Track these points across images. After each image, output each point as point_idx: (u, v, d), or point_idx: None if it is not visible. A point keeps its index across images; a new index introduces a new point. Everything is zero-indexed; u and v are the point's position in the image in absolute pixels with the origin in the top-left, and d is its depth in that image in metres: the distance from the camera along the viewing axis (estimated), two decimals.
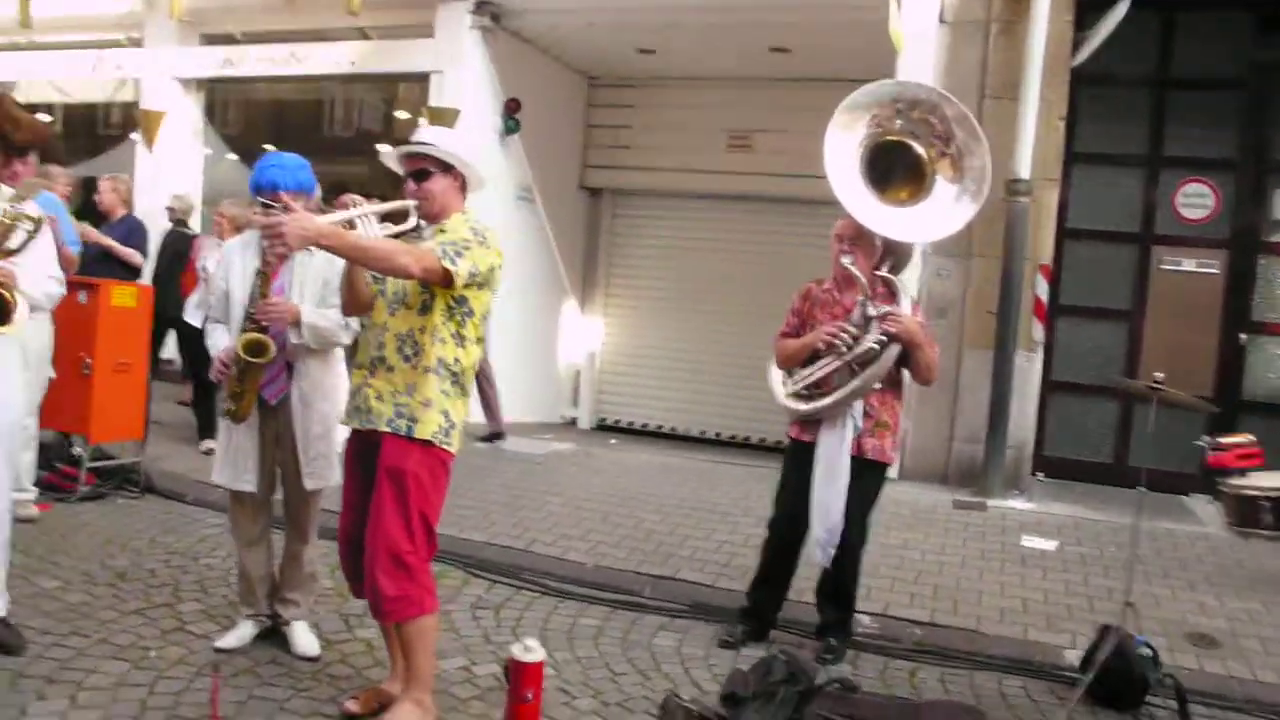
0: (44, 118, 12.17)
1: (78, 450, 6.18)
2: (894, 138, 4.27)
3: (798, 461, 4.27)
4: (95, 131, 11.79)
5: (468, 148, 3.47)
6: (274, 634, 4.03)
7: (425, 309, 3.23)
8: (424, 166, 3.32)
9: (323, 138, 11.00)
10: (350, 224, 3.15)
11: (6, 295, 3.41)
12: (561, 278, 10.64)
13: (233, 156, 10.81)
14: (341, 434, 3.82)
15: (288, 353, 3.80)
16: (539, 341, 10.31)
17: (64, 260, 5.76)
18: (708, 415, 10.42)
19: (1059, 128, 7.31)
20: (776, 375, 4.41)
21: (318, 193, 4.44)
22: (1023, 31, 7.13)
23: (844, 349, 4.07)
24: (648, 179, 10.47)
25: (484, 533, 5.70)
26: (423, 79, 8.92)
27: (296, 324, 3.74)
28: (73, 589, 4.43)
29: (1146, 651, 4.00)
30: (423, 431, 3.19)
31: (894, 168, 4.30)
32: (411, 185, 3.32)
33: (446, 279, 3.11)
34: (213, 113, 10.77)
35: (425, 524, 3.23)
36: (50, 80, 11.16)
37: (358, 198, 3.39)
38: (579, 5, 8.34)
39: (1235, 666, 4.43)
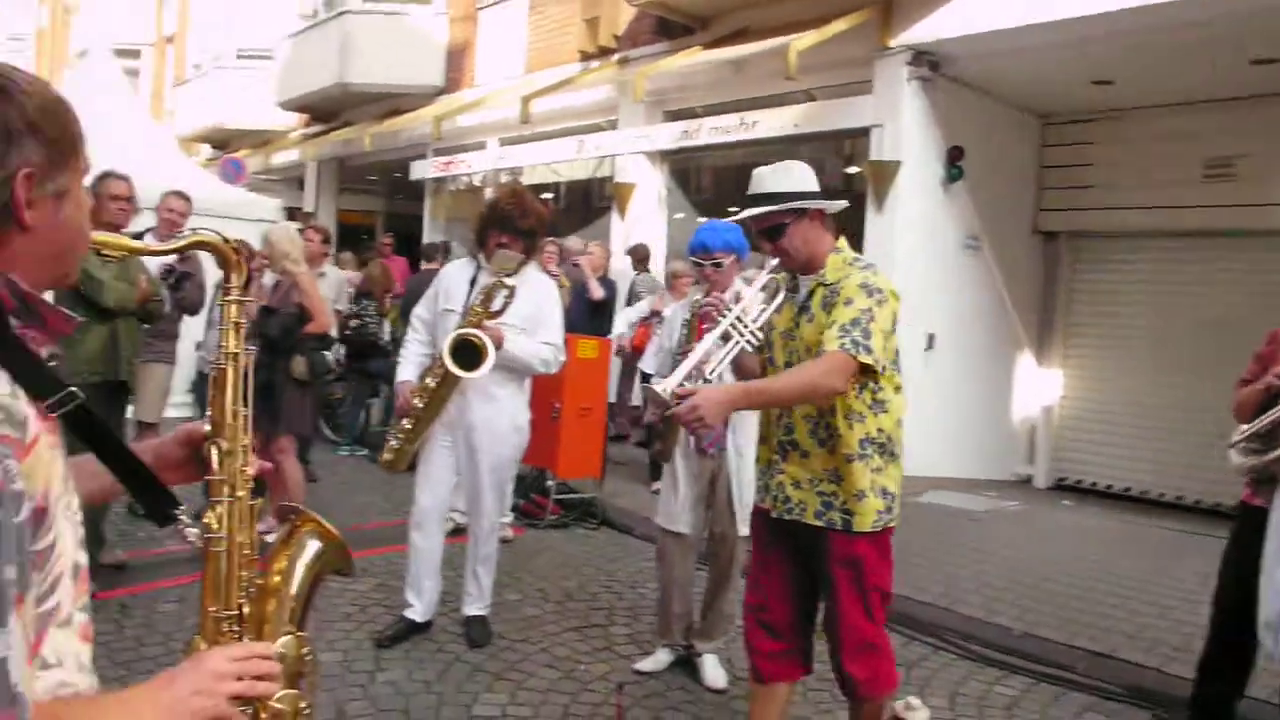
0: (546, 196, 14.14)
1: (549, 483, 7.03)
2: None
3: (1246, 529, 3.69)
4: (585, 204, 13.39)
5: (801, 175, 3.13)
6: (688, 663, 4.29)
7: None
8: (773, 222, 3.05)
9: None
10: (725, 335, 3.08)
11: (478, 344, 4.05)
12: (1014, 327, 10.12)
13: (702, 219, 11.74)
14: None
15: None
16: (988, 394, 9.86)
17: None
18: (1183, 479, 9.19)
19: None
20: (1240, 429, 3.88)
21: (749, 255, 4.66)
22: None
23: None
24: (1111, 219, 9.61)
25: (906, 586, 5.56)
26: (864, 133, 9.05)
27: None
28: (528, 603, 5.06)
29: None
30: (862, 524, 2.95)
31: None
32: (768, 245, 3.10)
33: (868, 371, 2.84)
34: (685, 181, 11.75)
35: (881, 598, 3.05)
36: (546, 164, 12.89)
37: (724, 298, 3.44)
38: (1023, 44, 7.97)
39: None
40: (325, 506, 6.70)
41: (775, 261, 3.10)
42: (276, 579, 1.59)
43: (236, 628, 1.45)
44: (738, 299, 3.87)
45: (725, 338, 3.17)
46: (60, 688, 1.17)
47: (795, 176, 3.10)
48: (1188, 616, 5.20)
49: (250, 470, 1.50)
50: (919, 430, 8.55)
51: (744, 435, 4.09)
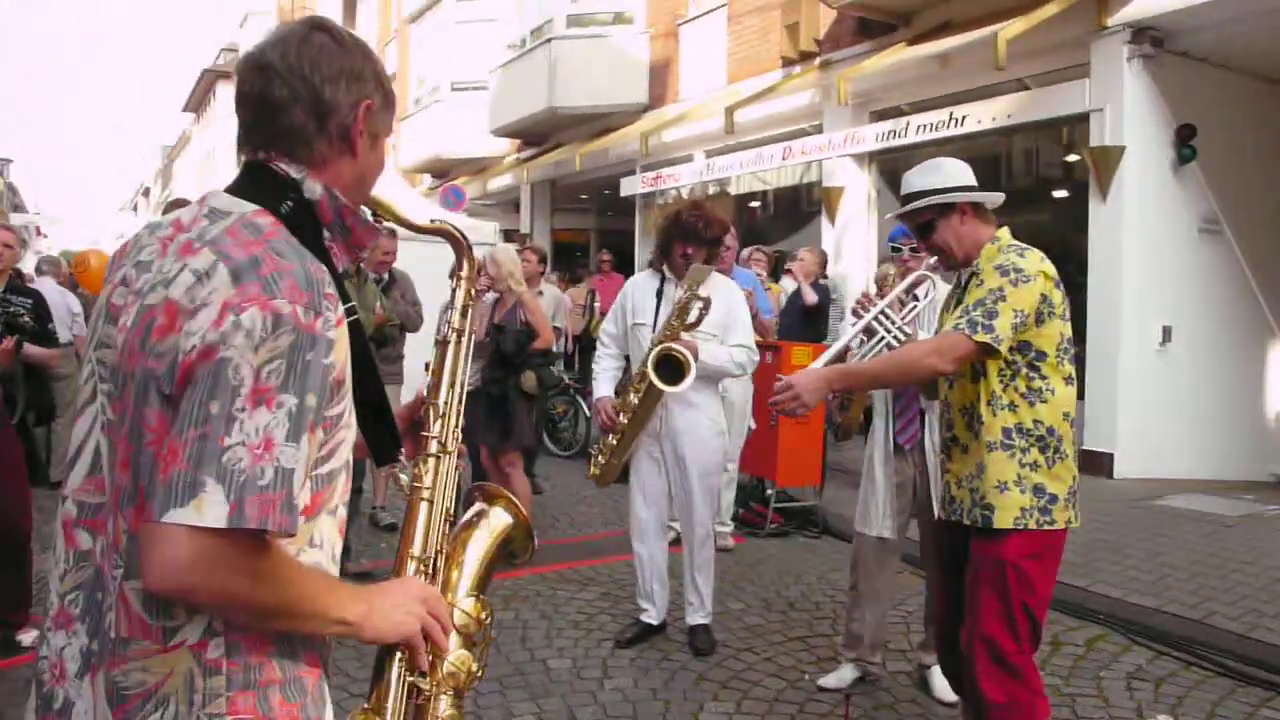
0: (754, 205, 14.21)
1: (769, 492, 7.06)
2: None
3: None
4: (794, 210, 13.35)
5: (949, 171, 3.02)
6: (919, 675, 4.22)
7: (978, 375, 2.85)
8: (921, 220, 3.00)
9: (1004, 188, 11.00)
10: (868, 329, 3.07)
11: (680, 358, 4.15)
12: (1264, 314, 9.32)
13: None
14: None
15: (920, 401, 3.95)
16: (1236, 388, 9.12)
17: (761, 328, 6.72)
18: None
19: None
20: None
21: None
22: None
23: None
24: None
25: (1154, 598, 5.25)
26: (1083, 120, 8.59)
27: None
28: (751, 612, 5.12)
29: None
30: (1002, 520, 2.78)
31: None
32: (922, 244, 3.11)
33: (988, 351, 2.74)
34: (894, 181, 11.51)
35: (1029, 617, 2.79)
36: (753, 172, 12.94)
37: (871, 294, 3.38)
38: (1262, 6, 7.33)
39: None
40: (549, 518, 7.02)
41: (933, 260, 3.11)
42: (462, 551, 1.68)
43: (429, 572, 1.55)
44: (927, 294, 3.84)
45: (870, 332, 3.15)
46: (317, 568, 1.37)
47: (942, 173, 3.00)
48: None
49: (459, 434, 1.65)
50: (1156, 430, 8.20)
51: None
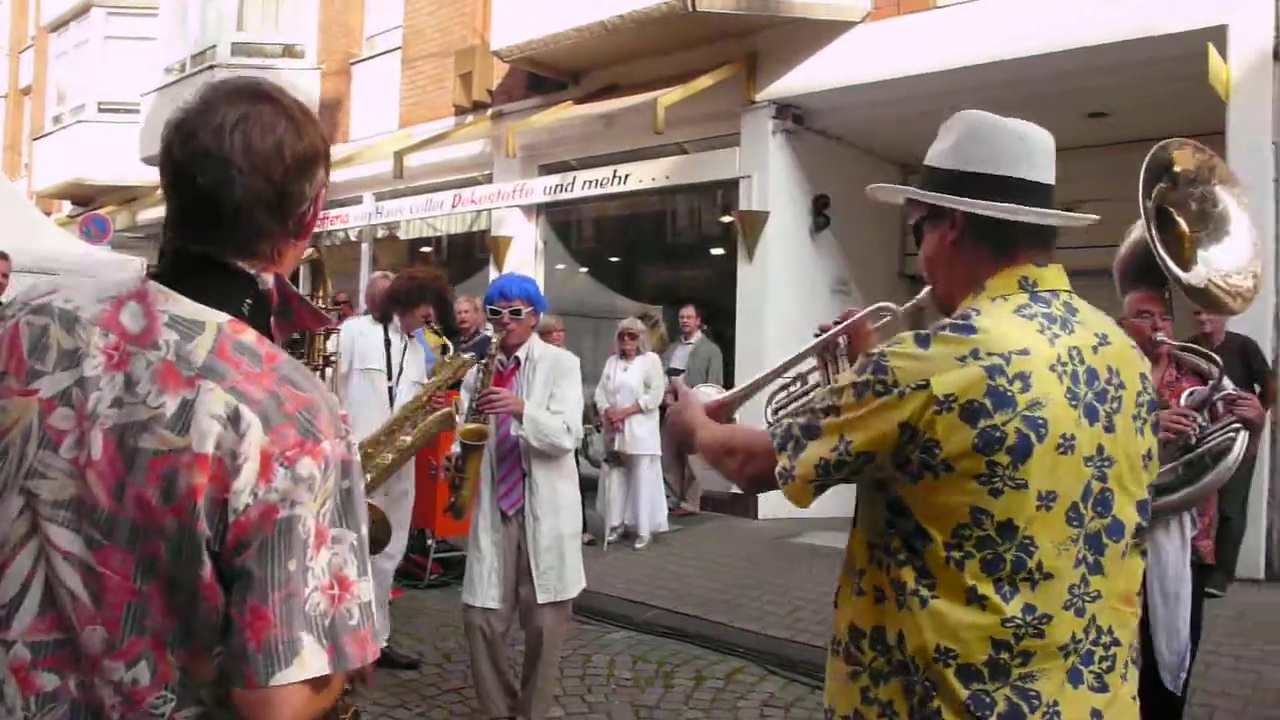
0: (425, 250, 14.03)
1: (429, 543, 6.92)
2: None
3: None
4: (465, 257, 13.33)
5: (979, 145, 1.64)
6: None
7: (854, 523, 1.68)
8: (913, 217, 1.76)
9: (664, 244, 11.69)
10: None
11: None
12: None
13: (583, 269, 11.84)
14: (574, 548, 3.90)
15: (522, 464, 3.88)
16: None
17: None
18: None
19: None
20: None
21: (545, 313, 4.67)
22: None
23: (1192, 439, 3.30)
24: None
25: (788, 630, 5.67)
26: (733, 185, 9.30)
27: (519, 417, 3.78)
28: None
29: None
30: None
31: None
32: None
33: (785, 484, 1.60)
34: (564, 233, 11.83)
35: None
36: (423, 218, 12.81)
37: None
38: (877, 98, 8.35)
39: None
40: None
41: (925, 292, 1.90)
42: None
43: None
44: (529, 356, 3.89)
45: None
46: None
47: (964, 141, 1.65)
48: None
49: None
50: None
51: (538, 497, 3.87)
